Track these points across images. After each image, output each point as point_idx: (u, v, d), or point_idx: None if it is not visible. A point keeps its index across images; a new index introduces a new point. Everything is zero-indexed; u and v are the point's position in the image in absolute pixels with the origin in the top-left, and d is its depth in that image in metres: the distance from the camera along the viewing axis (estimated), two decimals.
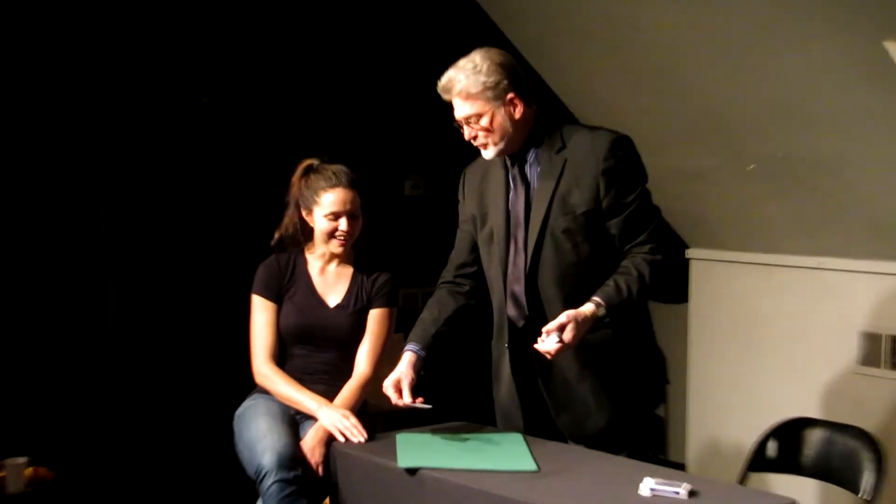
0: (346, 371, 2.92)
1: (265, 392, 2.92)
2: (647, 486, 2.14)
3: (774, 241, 4.02)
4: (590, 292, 2.50)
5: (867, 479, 2.55)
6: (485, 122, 2.53)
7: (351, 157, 3.03)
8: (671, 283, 4.25)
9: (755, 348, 4.15)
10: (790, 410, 3.05)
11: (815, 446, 2.75)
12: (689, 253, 4.43)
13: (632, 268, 2.52)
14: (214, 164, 4.06)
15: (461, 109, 2.55)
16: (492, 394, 2.81)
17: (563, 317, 2.42)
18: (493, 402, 2.82)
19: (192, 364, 4.01)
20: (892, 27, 2.88)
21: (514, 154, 2.61)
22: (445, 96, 2.58)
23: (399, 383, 2.60)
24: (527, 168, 2.62)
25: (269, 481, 2.61)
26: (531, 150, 2.60)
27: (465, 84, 2.52)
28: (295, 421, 2.86)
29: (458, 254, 2.83)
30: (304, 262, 2.98)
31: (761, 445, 2.81)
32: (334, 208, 2.87)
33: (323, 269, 2.99)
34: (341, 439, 2.68)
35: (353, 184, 2.90)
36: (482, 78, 2.51)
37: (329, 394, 2.86)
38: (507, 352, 2.69)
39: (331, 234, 2.89)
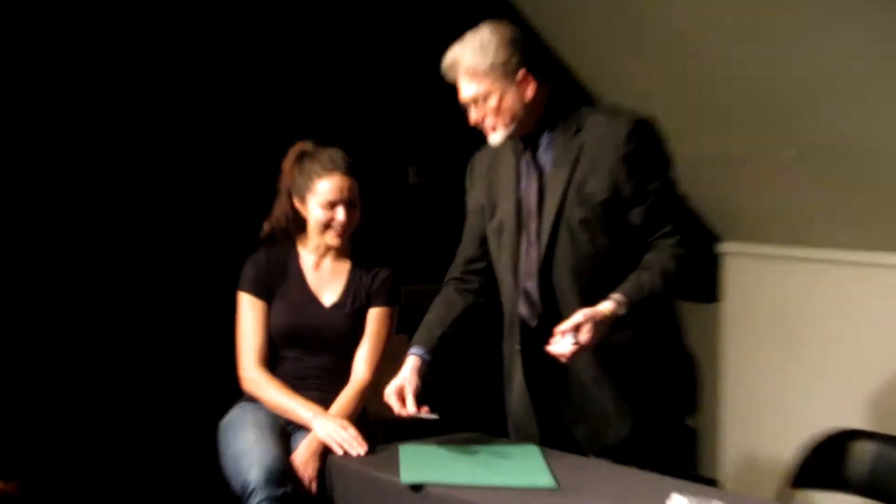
0: (343, 376, 2.87)
1: (253, 400, 2.87)
2: (676, 503, 2.12)
3: (817, 234, 3.93)
4: (609, 289, 2.43)
5: None
6: (493, 102, 2.49)
7: (349, 141, 2.97)
8: (701, 279, 4.26)
9: (796, 352, 4.06)
10: (835, 421, 2.95)
11: (864, 461, 2.69)
12: (723, 247, 4.39)
13: (655, 262, 2.46)
14: (200, 150, 3.98)
15: (467, 90, 2.51)
16: (504, 402, 2.77)
17: (578, 315, 2.35)
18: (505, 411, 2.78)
19: (173, 370, 3.94)
20: None
21: (525, 138, 2.57)
22: (450, 75, 2.53)
23: (402, 391, 2.55)
24: (539, 153, 2.57)
25: (256, 499, 2.55)
26: (544, 134, 2.56)
27: (472, 62, 2.47)
28: (286, 432, 2.79)
29: (466, 247, 2.78)
30: (297, 256, 2.93)
31: (804, 460, 2.74)
32: (330, 196, 2.80)
33: (317, 265, 2.92)
34: (338, 452, 2.62)
35: (350, 170, 2.84)
36: (490, 54, 2.46)
37: (324, 401, 2.80)
38: (518, 355, 2.63)
39: (326, 225, 2.83)
